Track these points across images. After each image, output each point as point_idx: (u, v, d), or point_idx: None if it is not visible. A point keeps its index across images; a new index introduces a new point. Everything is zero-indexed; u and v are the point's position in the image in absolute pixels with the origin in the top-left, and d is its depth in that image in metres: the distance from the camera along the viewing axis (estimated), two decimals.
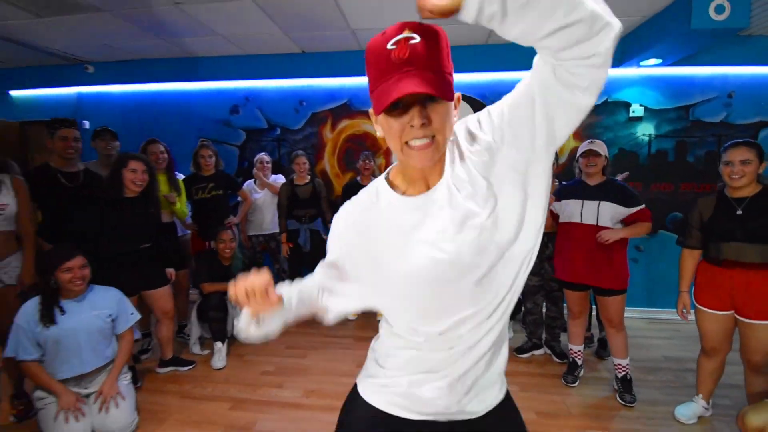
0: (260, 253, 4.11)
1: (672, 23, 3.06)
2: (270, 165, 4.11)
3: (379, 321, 1.02)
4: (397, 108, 0.72)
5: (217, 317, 3.16)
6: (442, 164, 0.81)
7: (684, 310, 2.32)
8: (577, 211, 2.62)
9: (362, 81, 4.25)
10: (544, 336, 3.26)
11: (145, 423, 2.39)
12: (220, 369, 3.03)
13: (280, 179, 4.11)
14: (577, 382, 2.80)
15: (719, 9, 2.80)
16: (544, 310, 3.24)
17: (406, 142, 0.74)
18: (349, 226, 0.91)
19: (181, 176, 3.54)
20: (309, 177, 3.83)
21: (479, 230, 0.77)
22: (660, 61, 3.64)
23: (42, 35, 3.78)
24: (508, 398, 0.98)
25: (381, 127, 0.78)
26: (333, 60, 4.26)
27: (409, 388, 0.91)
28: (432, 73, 0.69)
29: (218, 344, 3.13)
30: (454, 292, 0.83)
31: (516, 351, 3.23)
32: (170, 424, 2.40)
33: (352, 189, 3.79)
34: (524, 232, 0.80)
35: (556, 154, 3.12)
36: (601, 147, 2.59)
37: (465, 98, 4.13)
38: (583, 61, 0.65)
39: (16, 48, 4.04)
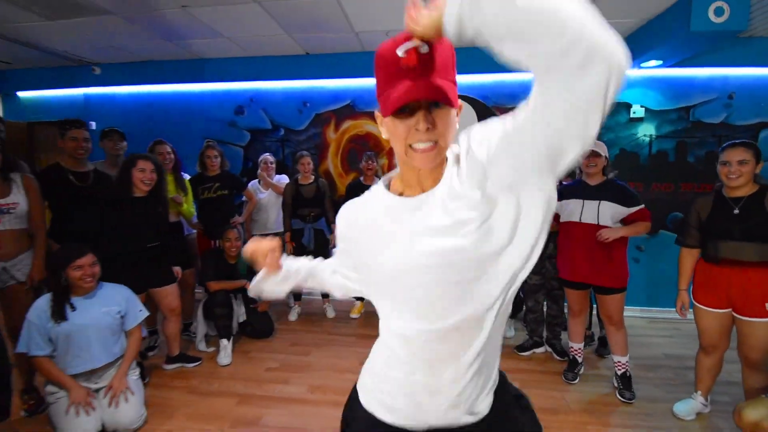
0: None
1: (672, 25, 3.10)
2: (274, 165, 4.16)
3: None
4: (403, 112, 0.75)
5: (222, 315, 3.21)
6: (439, 171, 0.82)
7: (683, 308, 2.36)
8: (577, 210, 2.66)
9: (365, 82, 4.31)
10: (545, 334, 3.30)
11: (153, 417, 2.44)
12: (226, 365, 3.08)
13: (284, 179, 4.16)
14: (578, 380, 2.84)
15: (718, 11, 2.84)
16: (544, 308, 3.28)
17: (410, 145, 0.77)
18: (350, 223, 0.96)
19: (186, 176, 3.59)
20: (313, 177, 3.89)
21: (464, 239, 0.76)
22: (660, 62, 3.67)
23: (50, 37, 3.84)
24: (502, 405, 0.95)
25: (387, 129, 0.81)
26: (336, 61, 4.31)
27: (394, 390, 0.91)
28: (438, 80, 0.72)
29: (224, 341, 3.18)
30: (434, 299, 0.83)
31: (517, 349, 3.27)
32: (178, 418, 2.46)
33: (356, 189, 3.89)
34: (512, 249, 0.77)
35: None
36: (601, 147, 2.63)
37: (467, 99, 4.18)
38: (566, 98, 0.60)
39: (25, 49, 4.11)
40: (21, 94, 5.03)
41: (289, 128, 4.56)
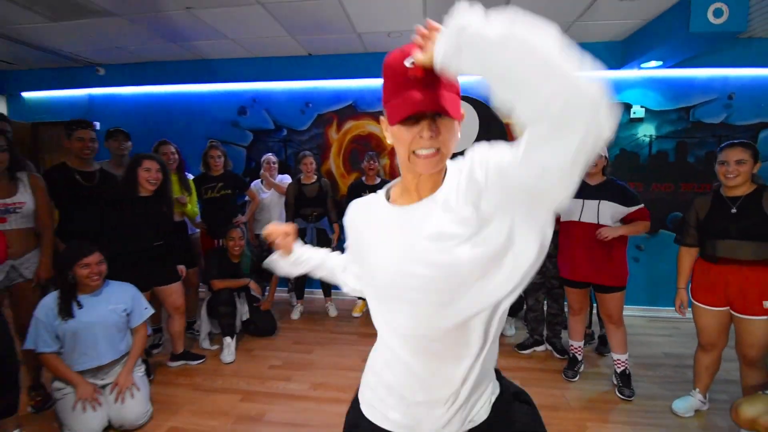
0: (267, 252, 4.19)
1: (671, 26, 3.13)
2: (276, 165, 4.20)
3: None
4: (408, 120, 0.78)
5: (226, 313, 3.25)
6: (437, 178, 0.85)
7: (681, 306, 2.39)
8: (577, 210, 2.69)
9: (367, 83, 4.34)
10: (545, 332, 3.33)
11: (158, 413, 2.47)
12: (230, 363, 3.12)
13: (287, 179, 4.20)
14: (578, 377, 2.87)
15: (717, 13, 2.86)
16: (545, 307, 3.31)
17: (414, 151, 0.80)
18: (354, 221, 1.01)
19: (190, 176, 3.63)
20: (316, 177, 3.93)
21: (448, 254, 0.78)
22: (660, 63, 3.70)
23: (56, 38, 3.88)
24: (503, 405, 0.97)
25: (392, 135, 0.84)
26: (339, 62, 4.35)
27: (391, 399, 0.94)
28: (443, 92, 0.76)
29: (227, 339, 3.21)
30: (416, 308, 0.85)
31: (518, 347, 3.30)
32: (183, 414, 2.49)
33: (357, 189, 3.93)
34: (499, 274, 0.78)
35: None
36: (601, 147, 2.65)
37: (468, 100, 4.20)
38: (542, 154, 0.61)
39: (29, 50, 4.14)
40: (25, 94, 5.06)
41: (292, 128, 4.59)
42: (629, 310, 4.05)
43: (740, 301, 2.15)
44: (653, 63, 3.71)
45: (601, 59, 3.91)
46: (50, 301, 2.29)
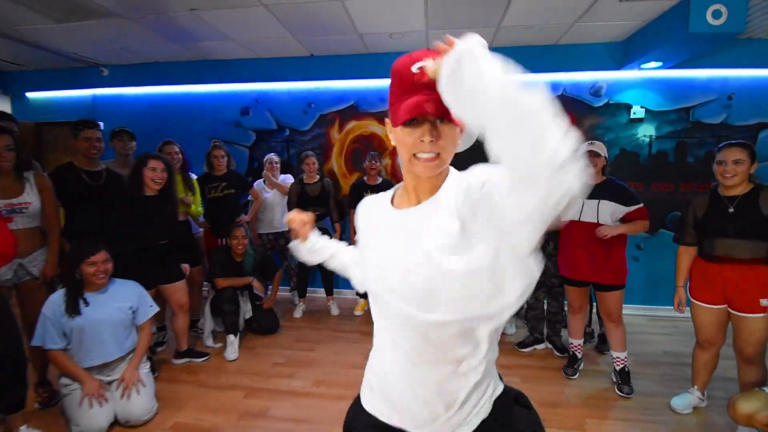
0: (269, 251, 4.23)
1: (671, 27, 3.16)
2: (279, 165, 4.23)
3: None
4: (411, 123, 0.81)
5: (230, 311, 3.28)
6: (436, 183, 0.88)
7: (680, 304, 2.42)
8: (577, 209, 2.72)
9: (369, 83, 4.38)
10: (545, 331, 3.36)
11: (163, 410, 2.51)
12: (233, 360, 3.16)
13: (289, 179, 4.23)
14: (577, 375, 2.90)
15: (716, 14, 2.89)
16: (545, 305, 3.34)
17: (415, 154, 0.83)
18: (361, 217, 1.05)
19: (194, 176, 3.66)
20: (318, 176, 3.96)
21: (439, 262, 0.80)
22: (660, 63, 3.73)
23: (60, 39, 3.92)
24: (503, 407, 0.97)
25: (395, 137, 0.87)
26: (341, 63, 4.38)
27: (384, 393, 0.96)
28: None
29: (231, 337, 3.25)
30: (405, 311, 0.86)
31: (518, 345, 3.33)
32: (188, 410, 2.53)
33: (359, 188, 3.96)
34: (480, 295, 0.80)
35: None
36: (600, 148, 2.69)
37: None
38: (517, 197, 0.64)
39: (34, 51, 4.18)
40: (30, 94, 5.10)
41: (294, 129, 4.63)
42: (629, 309, 4.07)
43: (738, 299, 2.18)
44: (653, 64, 3.73)
45: (602, 60, 3.98)
46: (57, 298, 2.33)
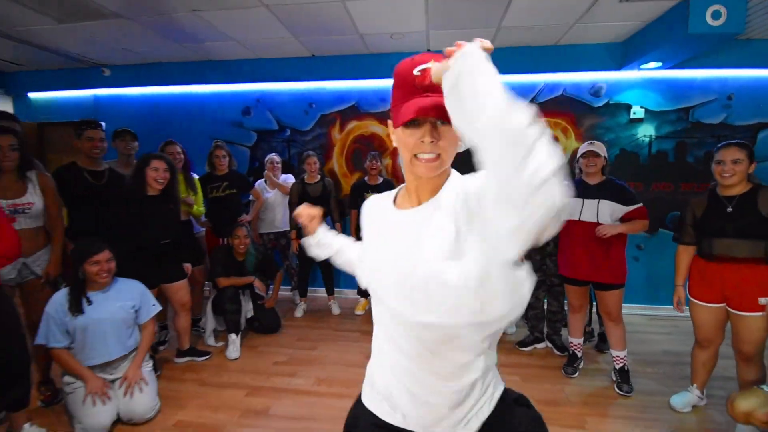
0: (271, 250, 4.25)
1: (670, 28, 3.17)
2: (280, 165, 4.25)
3: None
4: (412, 125, 0.83)
5: (231, 310, 3.30)
6: (436, 184, 0.89)
7: (679, 303, 2.43)
8: (577, 209, 2.73)
9: (370, 84, 4.40)
10: (545, 330, 3.38)
11: (165, 408, 2.53)
12: (235, 359, 3.17)
13: (290, 179, 4.25)
14: (577, 373, 2.91)
15: (716, 15, 2.91)
16: (545, 305, 3.36)
17: (415, 155, 0.85)
18: (365, 214, 1.07)
19: (195, 176, 3.68)
20: (319, 176, 3.98)
21: (435, 264, 0.81)
22: (660, 64, 3.74)
23: (62, 40, 3.94)
24: (504, 407, 0.97)
25: (397, 138, 0.89)
26: (342, 63, 4.40)
27: (382, 389, 0.98)
28: None
29: (232, 336, 3.26)
30: (400, 310, 0.88)
31: (518, 344, 3.35)
32: (190, 408, 2.55)
33: (360, 189, 3.98)
34: (471, 304, 0.80)
35: None
36: (600, 148, 2.71)
37: None
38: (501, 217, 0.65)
39: (36, 51, 4.20)
40: (31, 95, 5.12)
41: (295, 129, 4.65)
42: (629, 309, 4.10)
43: (736, 297, 2.19)
44: (653, 64, 3.75)
45: (602, 60, 4.00)
46: (61, 297, 2.34)
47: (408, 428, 0.94)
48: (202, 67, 4.62)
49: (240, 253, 3.48)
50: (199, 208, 3.49)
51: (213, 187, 3.69)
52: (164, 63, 4.66)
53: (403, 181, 0.98)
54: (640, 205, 2.61)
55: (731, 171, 2.14)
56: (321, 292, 4.50)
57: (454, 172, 0.92)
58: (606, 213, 2.64)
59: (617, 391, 2.69)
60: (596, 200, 2.66)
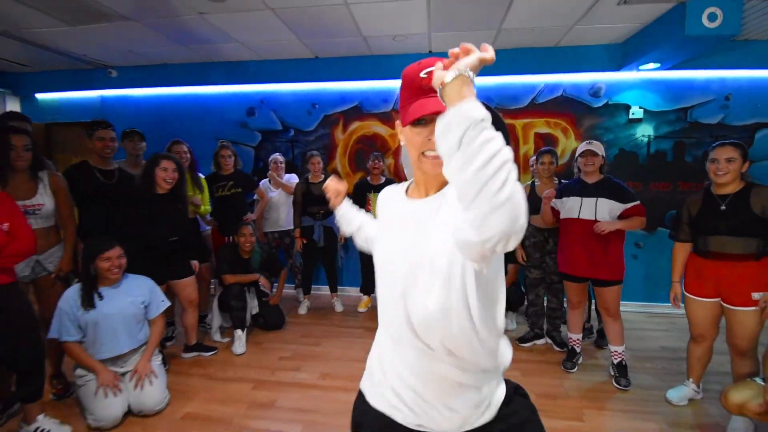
0: (275, 249, 4.31)
1: (667, 30, 3.23)
2: (283, 165, 4.32)
3: None
4: (419, 123, 0.88)
5: (237, 306, 3.37)
6: (443, 180, 0.93)
7: (675, 299, 2.49)
8: (576, 207, 2.80)
9: (373, 85, 4.46)
10: (545, 326, 3.43)
11: (174, 401, 2.60)
12: (241, 354, 3.24)
13: (294, 179, 4.31)
14: (576, 368, 2.97)
15: (712, 17, 2.96)
16: (545, 302, 3.42)
17: (423, 152, 0.91)
18: (381, 202, 1.13)
19: (201, 176, 3.74)
20: (323, 176, 4.04)
21: (430, 255, 0.86)
22: (658, 65, 3.80)
23: (70, 41, 4.01)
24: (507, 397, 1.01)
25: (405, 136, 0.95)
26: (345, 64, 4.46)
27: (380, 382, 1.01)
28: None
29: (238, 332, 3.33)
30: (395, 300, 0.93)
31: (519, 341, 3.41)
32: (198, 401, 2.62)
33: (362, 188, 4.06)
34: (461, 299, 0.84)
35: (557, 155, 3.30)
36: (598, 147, 2.77)
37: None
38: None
39: (44, 53, 4.27)
40: (39, 95, 5.19)
41: (299, 129, 4.71)
42: (628, 306, 4.16)
43: (730, 293, 2.25)
44: (651, 65, 3.81)
45: (601, 61, 4.06)
46: (73, 292, 2.42)
47: (407, 424, 0.96)
48: (207, 69, 4.69)
49: (245, 251, 3.55)
50: (206, 207, 3.56)
51: (219, 186, 3.76)
52: (170, 64, 4.73)
53: (404, 181, 1.05)
54: (638, 202, 2.67)
55: (725, 169, 2.20)
56: (324, 290, 4.56)
57: None
58: (604, 211, 2.70)
59: (615, 385, 2.75)
60: (594, 198, 2.72)
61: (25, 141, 2.41)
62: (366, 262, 4.20)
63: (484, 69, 0.73)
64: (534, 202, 3.18)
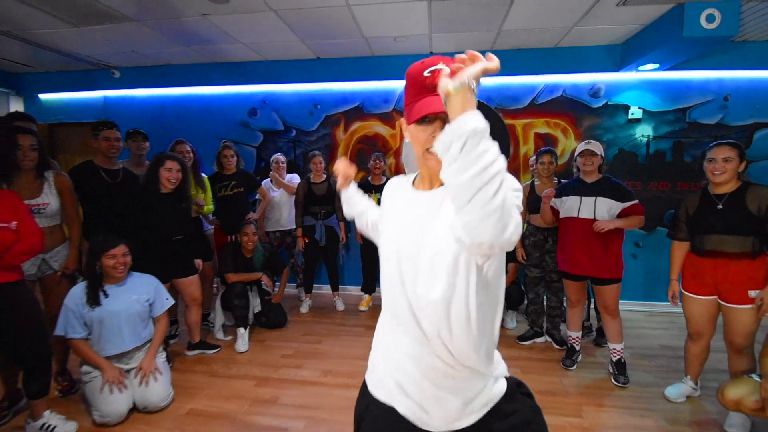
0: (277, 248, 4.35)
1: (666, 31, 3.26)
2: (285, 165, 4.35)
3: None
4: (424, 121, 0.91)
5: (240, 305, 3.40)
6: None
7: (673, 296, 2.52)
8: (575, 206, 2.82)
9: (374, 85, 4.50)
10: (545, 325, 3.47)
11: (178, 397, 2.63)
12: (243, 352, 3.28)
13: (295, 179, 4.35)
14: (575, 366, 3.00)
15: (710, 18, 2.99)
16: (545, 300, 3.45)
17: (427, 149, 0.93)
18: (387, 192, 1.16)
19: (204, 175, 3.77)
20: (325, 176, 4.08)
21: (433, 246, 0.90)
22: (657, 66, 3.83)
23: (74, 43, 4.04)
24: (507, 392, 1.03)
25: (409, 134, 0.97)
26: (346, 65, 4.49)
27: (380, 371, 1.04)
28: None
29: (241, 330, 3.37)
30: (398, 286, 0.96)
31: (519, 339, 3.44)
32: (202, 398, 2.65)
33: (363, 188, 4.08)
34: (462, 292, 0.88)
35: (556, 155, 3.33)
36: (597, 147, 2.80)
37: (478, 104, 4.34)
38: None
39: (47, 53, 4.31)
40: (42, 96, 5.23)
41: (301, 129, 4.75)
42: (628, 305, 4.19)
43: (727, 291, 2.28)
44: (650, 66, 3.84)
45: (600, 62, 4.09)
46: (79, 290, 2.45)
47: (408, 415, 0.98)
48: (209, 69, 4.72)
49: (248, 250, 3.58)
50: (209, 206, 3.59)
51: (221, 185, 3.79)
52: (172, 65, 4.76)
53: None
54: (636, 201, 2.70)
55: (722, 169, 2.22)
56: (326, 289, 4.60)
57: None
58: (603, 210, 2.73)
59: (614, 382, 2.78)
60: (593, 198, 2.76)
61: (32, 141, 2.44)
62: (367, 261, 4.24)
63: None
64: (534, 202, 3.22)
